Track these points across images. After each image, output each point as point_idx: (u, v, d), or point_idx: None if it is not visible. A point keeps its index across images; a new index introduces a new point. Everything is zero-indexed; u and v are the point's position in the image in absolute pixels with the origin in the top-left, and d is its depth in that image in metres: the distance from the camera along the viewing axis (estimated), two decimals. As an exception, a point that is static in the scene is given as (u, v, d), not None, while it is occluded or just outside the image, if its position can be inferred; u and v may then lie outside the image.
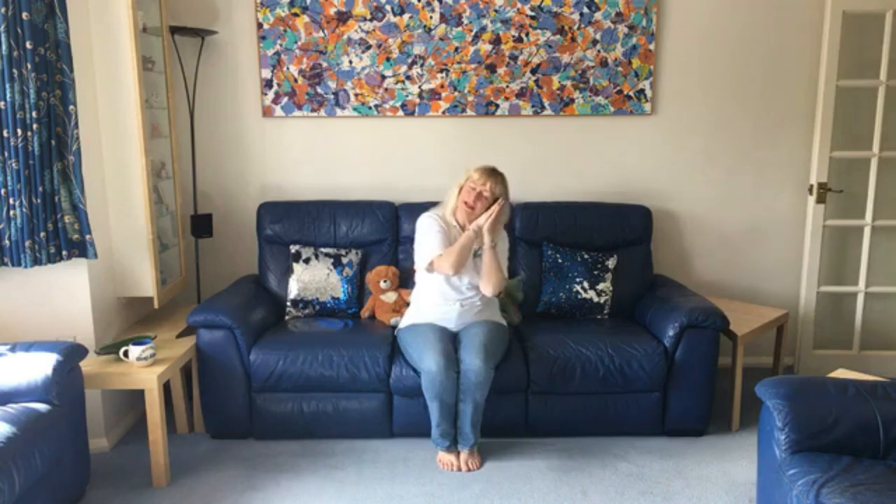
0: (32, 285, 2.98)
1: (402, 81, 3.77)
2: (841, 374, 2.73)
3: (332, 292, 3.50)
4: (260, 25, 3.70)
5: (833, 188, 3.81)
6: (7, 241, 2.79)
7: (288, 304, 3.51)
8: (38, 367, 2.50)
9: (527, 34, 3.74)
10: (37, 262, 2.81)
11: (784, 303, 3.96)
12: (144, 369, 2.84)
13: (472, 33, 3.73)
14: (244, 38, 3.73)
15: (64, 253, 2.88)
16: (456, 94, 3.78)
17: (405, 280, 3.55)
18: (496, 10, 3.71)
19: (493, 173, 3.11)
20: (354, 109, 3.79)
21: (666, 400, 3.18)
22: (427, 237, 3.12)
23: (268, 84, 3.76)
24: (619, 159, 3.89)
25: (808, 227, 3.89)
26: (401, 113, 3.80)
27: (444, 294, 3.13)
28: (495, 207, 3.06)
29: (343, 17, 3.70)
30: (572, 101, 3.81)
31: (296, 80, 3.75)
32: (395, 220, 3.68)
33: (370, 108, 3.79)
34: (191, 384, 3.30)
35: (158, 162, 3.48)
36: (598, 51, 3.76)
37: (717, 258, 4.01)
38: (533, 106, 3.81)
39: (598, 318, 3.53)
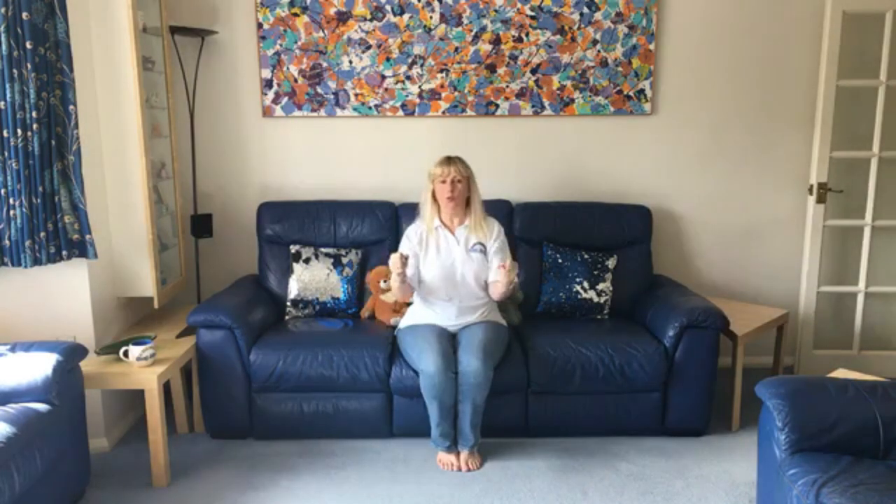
0: (32, 285, 2.98)
1: (402, 81, 3.77)
2: (841, 374, 2.73)
3: (332, 292, 3.50)
4: (260, 25, 3.70)
5: (833, 188, 3.81)
6: (7, 241, 2.79)
7: (288, 304, 3.51)
8: (38, 367, 2.50)
9: (527, 34, 3.74)
10: (37, 262, 2.81)
11: (784, 303, 3.96)
12: (144, 369, 2.84)
13: (472, 33, 3.73)
14: (244, 38, 3.73)
15: (64, 253, 2.88)
16: (456, 94, 3.78)
17: (405, 280, 3.55)
18: (496, 10, 3.70)
19: (449, 159, 3.17)
20: (354, 109, 3.79)
21: (666, 400, 3.18)
22: None
23: (268, 84, 3.76)
24: (619, 159, 3.89)
25: (808, 227, 3.89)
26: (401, 113, 3.80)
27: (444, 295, 3.13)
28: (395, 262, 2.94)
29: (343, 17, 3.70)
30: (572, 101, 3.81)
31: (296, 80, 3.75)
32: (395, 220, 3.68)
33: (370, 108, 3.79)
34: (191, 384, 3.30)
35: (158, 162, 3.48)
36: (598, 51, 3.76)
37: (717, 258, 4.01)
38: (533, 106, 3.81)
39: (598, 318, 3.53)
